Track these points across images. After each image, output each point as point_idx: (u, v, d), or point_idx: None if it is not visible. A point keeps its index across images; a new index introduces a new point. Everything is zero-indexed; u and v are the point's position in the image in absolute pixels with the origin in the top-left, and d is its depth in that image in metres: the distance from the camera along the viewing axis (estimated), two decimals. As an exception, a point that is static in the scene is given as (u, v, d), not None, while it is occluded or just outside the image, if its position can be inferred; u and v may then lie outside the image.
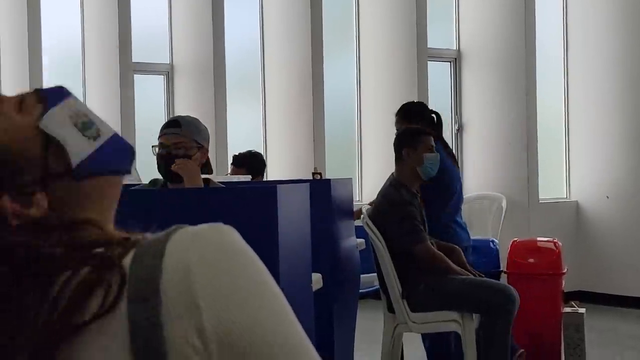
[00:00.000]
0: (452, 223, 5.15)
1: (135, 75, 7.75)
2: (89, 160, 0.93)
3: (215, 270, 0.81)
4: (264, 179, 6.27)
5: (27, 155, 0.92)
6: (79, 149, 0.93)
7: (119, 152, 0.98)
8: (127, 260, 0.83)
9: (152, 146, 3.68)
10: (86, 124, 0.95)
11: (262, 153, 6.96)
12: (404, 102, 5.55)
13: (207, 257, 0.82)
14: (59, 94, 0.97)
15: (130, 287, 0.81)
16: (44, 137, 0.93)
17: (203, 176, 3.76)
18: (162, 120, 7.89)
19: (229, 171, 6.29)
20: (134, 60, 7.66)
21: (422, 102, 5.78)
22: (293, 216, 3.05)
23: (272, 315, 0.82)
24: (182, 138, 3.59)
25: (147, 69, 8.15)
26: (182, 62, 8.20)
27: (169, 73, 8.24)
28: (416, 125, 5.06)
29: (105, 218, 0.95)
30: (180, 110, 7.95)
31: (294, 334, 0.83)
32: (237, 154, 6.15)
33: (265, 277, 0.85)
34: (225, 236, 0.85)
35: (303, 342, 0.84)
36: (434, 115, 5.35)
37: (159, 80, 8.26)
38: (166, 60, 8.24)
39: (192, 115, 3.87)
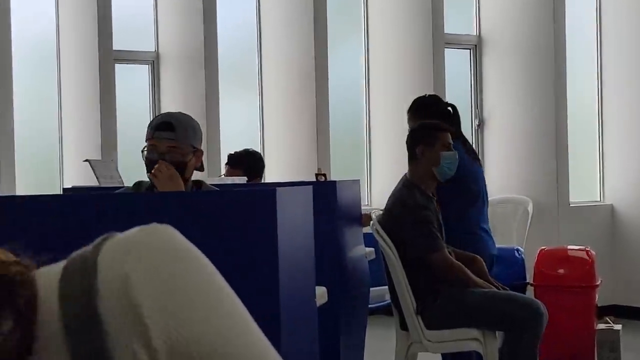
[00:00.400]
0: (478, 229, 5.14)
1: (116, 65, 7.75)
2: None
3: (156, 281, 0.81)
4: (262, 181, 6.28)
5: None
6: None
7: None
8: (51, 280, 0.82)
9: (142, 150, 3.69)
10: None
11: (260, 152, 6.97)
12: (416, 97, 5.54)
13: (144, 268, 0.81)
14: None
15: (65, 313, 0.80)
16: None
17: (194, 178, 3.76)
18: (147, 114, 7.91)
19: (223, 172, 6.30)
20: (115, 47, 7.66)
21: (435, 95, 5.78)
22: (294, 222, 3.05)
23: (224, 321, 0.82)
24: (177, 143, 3.61)
25: (129, 57, 8.16)
26: (168, 50, 8.21)
27: (154, 62, 8.25)
28: (431, 120, 5.05)
29: None
30: (167, 104, 7.95)
31: (250, 337, 0.84)
32: (232, 152, 6.17)
33: (212, 278, 0.85)
34: (161, 239, 0.84)
35: (261, 347, 0.84)
36: (449, 108, 5.34)
37: (143, 70, 8.27)
38: (151, 47, 8.25)
39: (181, 111, 3.89)
